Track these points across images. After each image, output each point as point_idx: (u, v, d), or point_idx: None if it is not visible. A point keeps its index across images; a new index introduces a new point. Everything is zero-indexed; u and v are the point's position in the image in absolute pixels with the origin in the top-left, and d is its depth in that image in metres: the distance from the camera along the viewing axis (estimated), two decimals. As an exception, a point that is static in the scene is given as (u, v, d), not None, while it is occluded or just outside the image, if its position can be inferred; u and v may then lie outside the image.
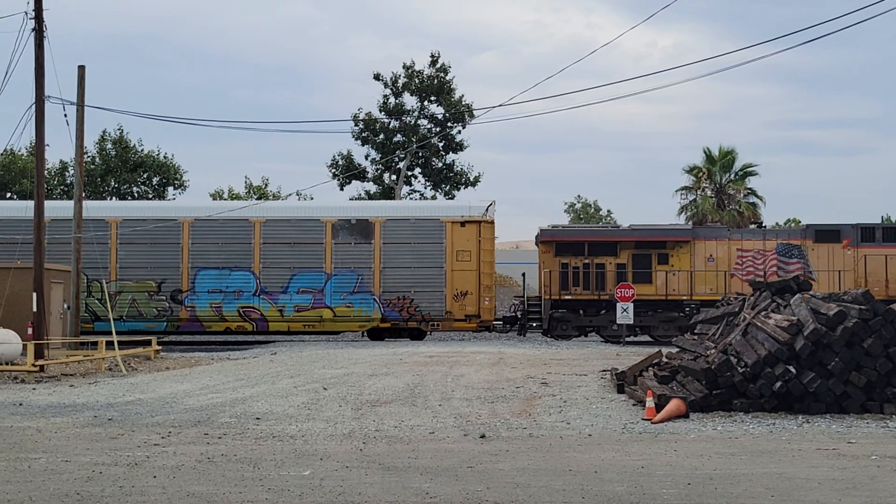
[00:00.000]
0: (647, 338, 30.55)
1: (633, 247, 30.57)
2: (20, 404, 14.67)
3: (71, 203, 26.23)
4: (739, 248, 30.41)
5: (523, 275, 32.92)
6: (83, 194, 26.73)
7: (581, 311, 30.63)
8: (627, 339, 29.64)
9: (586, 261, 30.51)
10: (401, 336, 31.24)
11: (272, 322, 30.59)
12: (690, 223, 30.94)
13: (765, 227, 32.09)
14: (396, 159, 45.95)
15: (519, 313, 31.77)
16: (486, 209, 31.39)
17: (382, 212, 31.57)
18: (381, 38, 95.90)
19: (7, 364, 20.31)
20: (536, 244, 31.98)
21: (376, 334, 31.22)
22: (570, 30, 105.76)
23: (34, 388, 17.23)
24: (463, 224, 30.66)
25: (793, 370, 12.82)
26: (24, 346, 20.67)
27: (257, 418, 12.93)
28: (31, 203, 22.47)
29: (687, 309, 29.87)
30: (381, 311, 30.51)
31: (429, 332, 31.52)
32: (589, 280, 30.44)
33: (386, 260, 30.59)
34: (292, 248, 30.73)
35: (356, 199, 46.02)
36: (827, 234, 30.43)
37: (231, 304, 30.46)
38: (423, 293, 30.49)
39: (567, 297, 30.40)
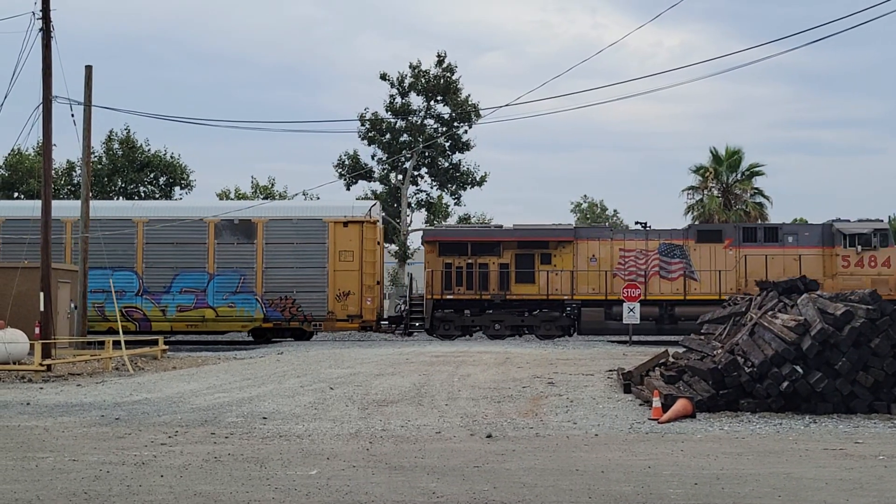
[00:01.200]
0: (533, 337, 30.83)
1: (516, 247, 30.75)
2: (28, 403, 14.72)
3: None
4: (622, 248, 30.61)
5: (409, 275, 32.98)
6: (90, 194, 26.80)
7: (467, 311, 30.73)
8: (509, 338, 30.35)
9: (469, 261, 30.67)
10: (284, 336, 31.12)
11: (155, 322, 30.57)
12: (573, 224, 31.26)
13: (648, 227, 32.25)
14: (403, 159, 45.94)
15: (404, 313, 31.77)
16: (370, 210, 31.38)
17: (265, 212, 31.54)
18: (387, 38, 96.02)
19: (14, 363, 20.37)
20: (422, 244, 31.98)
21: (260, 334, 31.19)
22: (576, 30, 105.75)
23: (41, 388, 17.28)
24: (346, 224, 30.62)
25: (800, 370, 12.79)
26: (32, 346, 20.73)
27: (264, 418, 12.94)
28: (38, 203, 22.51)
29: (568, 308, 30.02)
30: (263, 311, 30.53)
31: (315, 333, 31.44)
32: (472, 280, 30.56)
33: (268, 260, 30.62)
34: (175, 247, 30.70)
35: (362, 198, 46.02)
36: (709, 235, 30.75)
37: (113, 303, 30.15)
38: (305, 293, 30.47)
39: (450, 297, 30.57)
